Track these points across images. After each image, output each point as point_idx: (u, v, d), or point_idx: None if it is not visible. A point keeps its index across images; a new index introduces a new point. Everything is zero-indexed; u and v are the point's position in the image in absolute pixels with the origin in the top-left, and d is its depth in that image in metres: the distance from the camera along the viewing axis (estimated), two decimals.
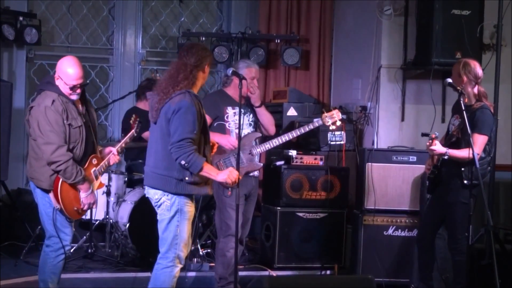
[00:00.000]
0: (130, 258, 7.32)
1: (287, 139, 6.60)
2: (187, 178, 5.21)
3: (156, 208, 5.36)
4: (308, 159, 7.50)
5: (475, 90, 6.18)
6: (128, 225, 7.21)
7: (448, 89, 6.25)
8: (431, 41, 7.50)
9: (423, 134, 6.27)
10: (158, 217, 5.35)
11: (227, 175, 5.33)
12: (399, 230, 7.17)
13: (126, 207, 7.38)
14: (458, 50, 7.43)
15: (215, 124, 6.46)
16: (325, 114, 6.67)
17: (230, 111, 6.50)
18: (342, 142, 7.77)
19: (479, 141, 6.07)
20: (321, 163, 7.49)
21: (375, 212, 7.14)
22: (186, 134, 5.12)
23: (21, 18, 8.31)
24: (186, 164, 5.12)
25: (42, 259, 5.70)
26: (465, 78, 6.13)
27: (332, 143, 7.77)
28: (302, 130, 6.64)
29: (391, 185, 7.15)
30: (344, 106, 8.52)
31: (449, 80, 6.08)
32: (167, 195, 5.25)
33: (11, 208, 7.99)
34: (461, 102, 5.89)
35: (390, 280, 6.98)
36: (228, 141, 6.33)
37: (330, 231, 7.41)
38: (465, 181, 6.06)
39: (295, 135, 6.64)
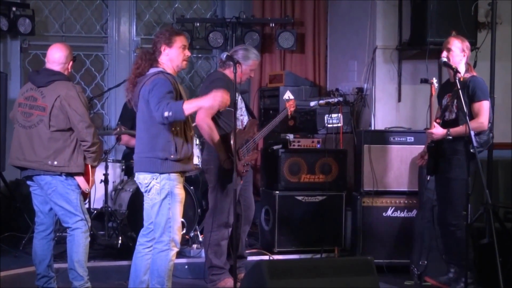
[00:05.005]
0: (130, 246, 7.30)
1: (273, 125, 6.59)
2: (172, 156, 5.20)
3: (146, 193, 5.35)
4: (306, 142, 7.48)
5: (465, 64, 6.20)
6: (127, 213, 7.20)
7: (444, 68, 6.21)
8: (426, 21, 7.48)
9: (422, 80, 6.16)
10: (150, 202, 5.33)
11: (212, 98, 5.16)
12: (398, 211, 7.16)
13: (125, 195, 7.37)
14: (453, 29, 7.37)
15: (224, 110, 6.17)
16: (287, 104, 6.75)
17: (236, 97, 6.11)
18: (339, 125, 7.77)
19: (484, 107, 6.04)
20: (318, 146, 7.49)
21: (374, 194, 7.13)
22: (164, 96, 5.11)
23: (14, 9, 8.27)
24: (170, 113, 5.00)
25: (74, 244, 5.75)
26: (466, 54, 6.13)
27: (329, 125, 7.77)
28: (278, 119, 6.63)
29: (389, 166, 7.14)
30: (340, 88, 8.51)
31: (444, 58, 6.06)
32: (156, 178, 5.24)
33: (9, 199, 7.98)
34: (457, 80, 5.84)
35: (390, 261, 6.97)
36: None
37: (330, 214, 7.40)
38: (471, 150, 5.82)
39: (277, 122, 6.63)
